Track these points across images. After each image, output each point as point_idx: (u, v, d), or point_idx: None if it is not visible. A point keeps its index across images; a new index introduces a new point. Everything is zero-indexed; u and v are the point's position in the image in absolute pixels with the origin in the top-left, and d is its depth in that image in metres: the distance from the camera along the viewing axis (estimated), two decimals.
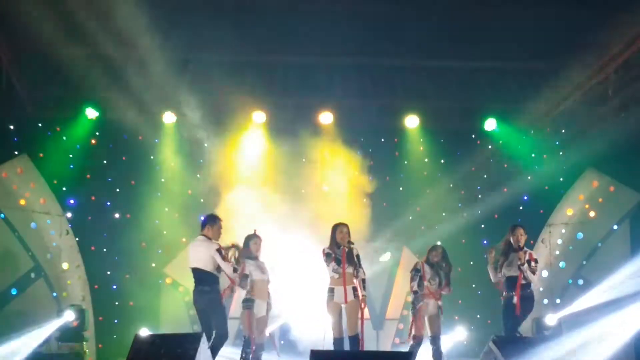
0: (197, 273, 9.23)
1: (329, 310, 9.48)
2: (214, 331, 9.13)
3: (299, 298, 13.25)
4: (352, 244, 9.52)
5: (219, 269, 9.19)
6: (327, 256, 9.44)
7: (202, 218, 9.70)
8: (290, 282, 13.23)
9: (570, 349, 9.56)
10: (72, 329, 12.24)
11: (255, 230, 10.13)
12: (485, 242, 14.38)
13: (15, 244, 13.06)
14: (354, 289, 9.45)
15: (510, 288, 9.96)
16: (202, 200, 13.53)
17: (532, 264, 9.89)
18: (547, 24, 11.41)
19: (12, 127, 13.28)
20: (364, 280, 9.52)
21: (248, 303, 9.68)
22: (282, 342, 13.54)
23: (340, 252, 9.42)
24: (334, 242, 9.54)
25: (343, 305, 9.44)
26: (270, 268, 10.10)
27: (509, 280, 9.99)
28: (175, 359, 8.34)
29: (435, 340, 10.22)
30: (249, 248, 9.86)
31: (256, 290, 9.74)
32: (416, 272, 10.36)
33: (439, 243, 11.11)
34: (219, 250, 9.16)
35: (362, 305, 9.45)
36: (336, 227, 9.63)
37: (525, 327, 13.62)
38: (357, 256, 9.55)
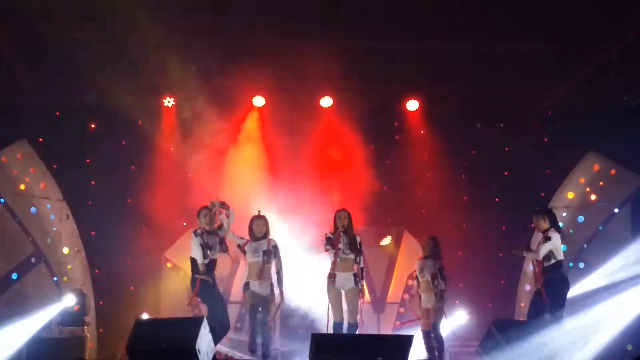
0: None
1: (329, 296, 9.62)
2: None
3: (300, 282, 13.27)
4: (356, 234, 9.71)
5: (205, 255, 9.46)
6: (327, 241, 9.63)
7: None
8: (291, 265, 13.25)
9: (572, 332, 9.56)
10: (73, 314, 12.23)
11: (259, 212, 10.05)
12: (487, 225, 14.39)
13: (15, 229, 13.05)
14: (355, 276, 9.54)
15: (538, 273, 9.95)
16: (202, 185, 13.49)
17: (540, 239, 9.84)
18: (549, 6, 11.35)
19: (11, 112, 13.23)
20: (362, 269, 9.69)
21: (243, 287, 9.75)
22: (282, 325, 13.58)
23: (336, 237, 9.60)
24: (335, 228, 9.72)
25: (344, 291, 9.54)
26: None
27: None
28: (175, 343, 8.36)
29: (436, 327, 10.54)
30: (252, 229, 9.83)
31: (249, 273, 9.73)
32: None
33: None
34: (194, 232, 9.58)
35: (362, 294, 9.64)
36: (336, 213, 9.82)
37: (526, 311, 13.68)
38: (360, 244, 9.68)
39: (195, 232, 9.54)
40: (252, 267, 9.73)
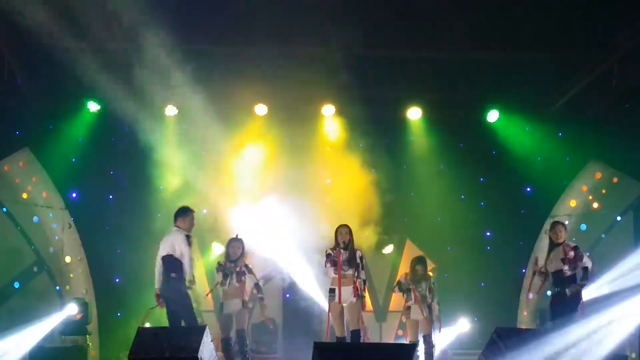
0: (166, 260, 9.56)
1: (330, 310, 9.68)
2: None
3: (302, 291, 13.30)
4: (356, 249, 9.77)
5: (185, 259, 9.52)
6: (327, 257, 9.70)
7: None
8: (294, 275, 13.27)
9: (574, 340, 9.53)
10: (75, 323, 12.25)
11: (237, 235, 10.60)
12: (488, 233, 14.40)
13: (17, 238, 13.04)
14: (355, 289, 9.55)
15: (557, 284, 9.89)
16: (204, 193, 13.49)
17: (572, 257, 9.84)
18: (550, 14, 11.37)
19: (13, 120, 13.24)
20: (364, 282, 9.76)
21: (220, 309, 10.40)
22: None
23: (336, 253, 9.63)
24: (336, 243, 9.73)
25: (345, 305, 9.55)
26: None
27: (553, 276, 9.95)
28: (178, 352, 8.35)
29: (426, 339, 10.71)
30: (228, 251, 10.45)
31: (224, 294, 10.34)
32: (397, 284, 11.23)
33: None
34: (187, 237, 9.58)
35: (362, 306, 9.67)
36: (337, 229, 9.83)
37: (529, 319, 13.67)
38: (361, 258, 9.76)
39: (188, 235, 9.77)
40: (230, 287, 10.32)
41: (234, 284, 10.30)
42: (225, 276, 10.25)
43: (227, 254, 10.50)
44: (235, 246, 10.49)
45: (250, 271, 10.49)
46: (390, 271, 14.45)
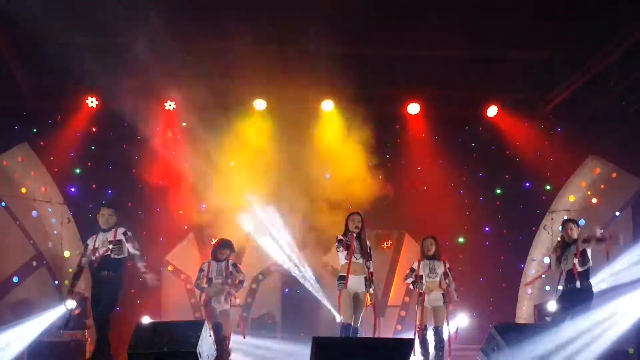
0: None
1: (341, 297, 9.49)
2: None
3: (301, 285, 13.30)
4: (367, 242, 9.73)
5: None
6: (339, 243, 9.50)
7: None
8: (292, 269, 13.28)
9: (573, 335, 9.55)
10: (74, 317, 12.22)
11: (226, 239, 11.28)
12: (487, 229, 14.40)
13: (16, 233, 13.05)
14: (365, 280, 9.50)
15: (568, 281, 9.90)
16: (202, 189, 13.49)
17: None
18: (549, 11, 11.36)
19: (12, 115, 13.25)
20: (371, 274, 9.61)
21: (205, 304, 10.90)
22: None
23: (349, 239, 9.49)
24: (347, 231, 9.63)
25: (353, 294, 9.46)
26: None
27: (568, 273, 9.96)
28: (177, 346, 8.38)
29: (437, 331, 10.38)
30: (217, 253, 11.07)
31: (213, 290, 10.82)
32: (411, 271, 10.74)
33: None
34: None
35: (371, 300, 9.62)
36: (348, 216, 9.76)
37: (528, 314, 13.69)
38: (370, 249, 9.68)
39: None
40: (215, 286, 10.88)
41: (218, 286, 10.85)
42: (209, 280, 10.89)
43: (214, 255, 11.12)
44: (222, 252, 11.08)
45: (237, 270, 11.14)
46: (389, 266, 14.44)
